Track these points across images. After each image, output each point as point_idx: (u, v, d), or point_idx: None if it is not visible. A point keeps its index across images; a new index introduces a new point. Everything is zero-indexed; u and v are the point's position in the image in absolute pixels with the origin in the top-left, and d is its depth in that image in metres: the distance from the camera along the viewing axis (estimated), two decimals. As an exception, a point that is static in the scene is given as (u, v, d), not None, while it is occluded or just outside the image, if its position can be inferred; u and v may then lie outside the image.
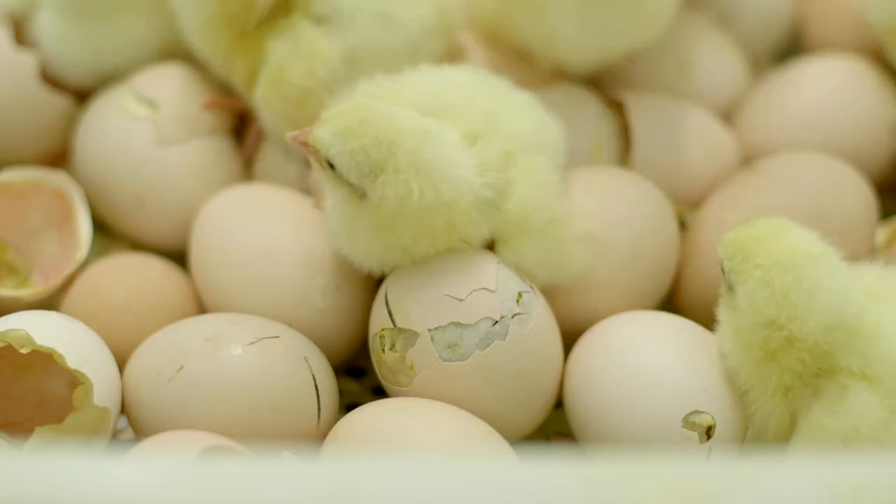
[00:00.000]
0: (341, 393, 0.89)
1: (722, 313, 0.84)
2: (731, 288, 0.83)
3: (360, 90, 0.88)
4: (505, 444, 0.82)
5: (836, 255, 0.82)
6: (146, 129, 0.96)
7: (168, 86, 0.98)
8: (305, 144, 0.83)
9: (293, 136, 0.83)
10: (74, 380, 0.83)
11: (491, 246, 0.86)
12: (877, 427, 0.79)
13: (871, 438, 0.79)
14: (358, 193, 0.82)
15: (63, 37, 0.98)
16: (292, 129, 0.84)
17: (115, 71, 0.99)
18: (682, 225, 0.95)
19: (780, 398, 0.82)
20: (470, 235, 0.84)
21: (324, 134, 0.82)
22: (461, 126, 0.85)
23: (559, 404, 0.88)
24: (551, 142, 0.89)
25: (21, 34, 1.00)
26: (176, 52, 0.99)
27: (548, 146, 0.89)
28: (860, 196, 0.94)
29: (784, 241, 0.82)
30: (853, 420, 0.79)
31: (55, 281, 0.93)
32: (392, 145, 0.81)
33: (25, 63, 0.98)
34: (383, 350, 0.85)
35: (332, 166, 0.82)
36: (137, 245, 0.98)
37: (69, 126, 1.00)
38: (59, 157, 1.01)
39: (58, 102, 1.00)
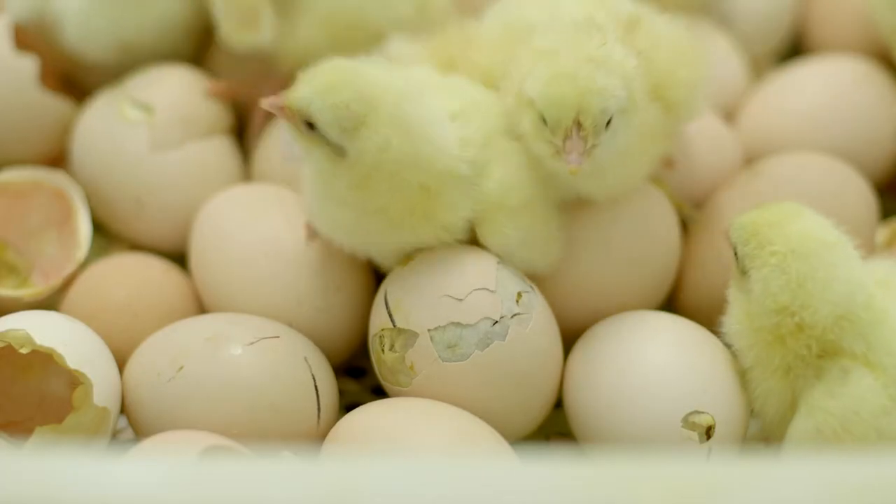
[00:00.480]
0: (341, 393, 0.89)
1: (732, 295, 0.84)
2: (743, 272, 0.83)
3: None
4: (505, 444, 0.82)
5: (849, 242, 0.82)
6: (142, 133, 0.96)
7: (163, 90, 0.98)
8: (282, 108, 0.82)
9: (269, 101, 0.82)
10: (74, 380, 0.83)
11: (473, 238, 0.86)
12: (877, 413, 0.79)
13: (871, 424, 0.79)
14: (337, 152, 0.82)
15: (88, 9, 0.98)
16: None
17: (138, 45, 0.99)
18: (685, 223, 0.95)
19: (781, 377, 0.82)
20: (449, 222, 0.84)
21: (304, 92, 0.81)
22: (443, 104, 0.85)
23: (559, 404, 0.88)
24: None
25: (21, 39, 1.00)
26: (198, 28, 0.99)
27: None
28: (861, 197, 0.94)
29: (799, 227, 0.82)
30: (854, 404, 0.79)
31: (55, 281, 0.93)
32: (373, 100, 0.81)
33: (24, 67, 0.98)
34: (383, 350, 0.85)
35: (311, 127, 0.82)
36: (137, 247, 0.98)
37: (67, 130, 1.00)
38: (57, 160, 1.01)
39: (56, 106, 1.00)
